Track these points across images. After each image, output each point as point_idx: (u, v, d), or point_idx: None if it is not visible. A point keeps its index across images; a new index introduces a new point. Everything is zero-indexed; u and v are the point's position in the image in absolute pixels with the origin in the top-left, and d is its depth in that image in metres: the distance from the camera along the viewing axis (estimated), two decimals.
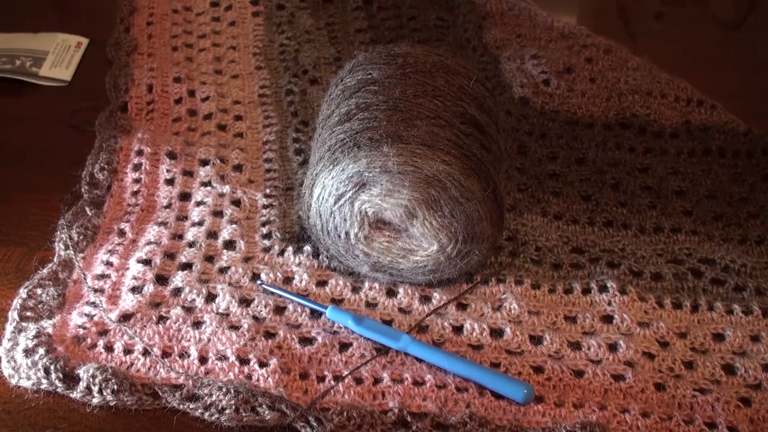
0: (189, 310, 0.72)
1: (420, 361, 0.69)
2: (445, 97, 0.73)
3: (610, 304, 0.76)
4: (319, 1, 1.13)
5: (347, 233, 0.73)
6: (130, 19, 1.07)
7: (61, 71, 1.01)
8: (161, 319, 0.71)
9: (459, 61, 0.79)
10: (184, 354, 0.69)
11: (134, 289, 0.74)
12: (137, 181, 0.85)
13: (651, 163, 0.92)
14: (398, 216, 0.71)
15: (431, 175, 0.68)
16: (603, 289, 0.77)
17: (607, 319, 0.75)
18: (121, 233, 0.79)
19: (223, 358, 0.68)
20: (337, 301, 0.75)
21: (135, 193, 0.84)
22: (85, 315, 0.71)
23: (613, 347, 0.72)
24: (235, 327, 0.71)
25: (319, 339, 0.71)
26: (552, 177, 0.90)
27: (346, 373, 0.68)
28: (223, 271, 0.76)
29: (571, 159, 0.92)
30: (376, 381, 0.67)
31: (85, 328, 0.70)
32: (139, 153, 0.87)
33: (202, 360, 0.68)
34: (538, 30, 1.09)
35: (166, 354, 0.69)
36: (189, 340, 0.70)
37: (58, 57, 1.03)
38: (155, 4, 1.10)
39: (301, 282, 0.75)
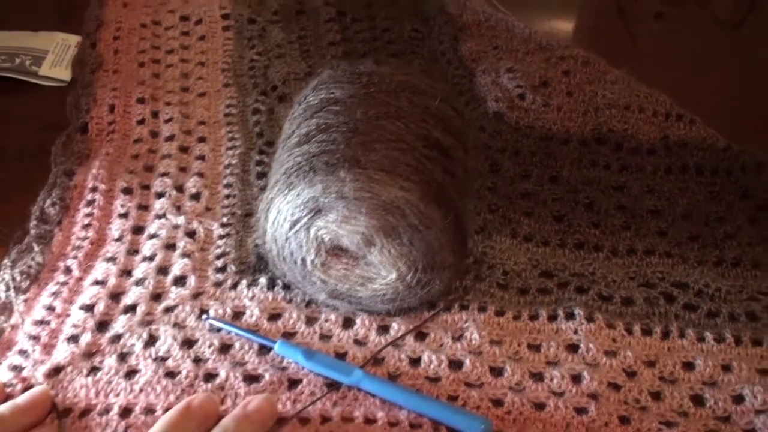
0: (124, 357, 0.69)
1: (373, 396, 0.67)
2: (408, 118, 0.71)
3: (576, 332, 0.73)
4: (291, 14, 1.10)
5: (303, 260, 0.71)
6: (97, 33, 1.05)
7: (61, 71, 1.00)
8: (93, 370, 0.68)
9: (427, 80, 0.77)
10: (104, 412, 0.64)
11: (71, 338, 0.70)
12: (89, 215, 0.82)
13: (627, 181, 0.89)
14: (355, 243, 0.69)
15: (389, 202, 0.66)
16: (570, 316, 0.74)
17: (573, 348, 0.72)
18: (68, 271, 0.76)
19: (149, 411, 0.65)
20: (289, 335, 0.72)
21: (86, 227, 0.81)
22: (14, 368, 0.67)
23: (576, 378, 0.69)
24: (172, 373, 0.67)
25: (267, 377, 0.67)
26: (524, 196, 0.87)
27: (292, 413, 0.65)
28: (168, 310, 0.73)
29: (544, 177, 0.89)
30: (325, 420, 0.64)
31: (11, 384, 0.66)
32: (94, 189, 0.84)
33: (126, 413, 0.64)
34: (516, 42, 1.07)
35: (87, 411, 0.65)
36: (118, 393, 0.66)
37: (57, 56, 1.02)
38: (123, 18, 1.07)
39: (251, 317, 0.72)
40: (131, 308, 0.73)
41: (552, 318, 0.75)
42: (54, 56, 1.02)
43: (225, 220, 0.82)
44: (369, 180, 0.65)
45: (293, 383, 0.68)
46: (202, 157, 0.89)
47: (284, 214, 0.69)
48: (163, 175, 0.86)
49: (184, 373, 0.67)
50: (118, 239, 0.80)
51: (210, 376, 0.68)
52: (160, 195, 0.84)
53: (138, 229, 0.81)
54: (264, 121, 0.94)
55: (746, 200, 0.87)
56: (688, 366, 0.72)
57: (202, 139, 0.91)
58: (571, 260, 0.81)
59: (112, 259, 0.78)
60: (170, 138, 0.91)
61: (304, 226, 0.69)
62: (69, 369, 0.67)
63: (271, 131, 0.92)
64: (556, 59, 1.02)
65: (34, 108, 0.96)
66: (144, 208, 0.83)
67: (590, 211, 0.86)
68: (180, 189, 0.85)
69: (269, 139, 0.91)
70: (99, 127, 0.91)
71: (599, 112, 0.96)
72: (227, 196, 0.85)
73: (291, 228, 0.69)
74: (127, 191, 0.85)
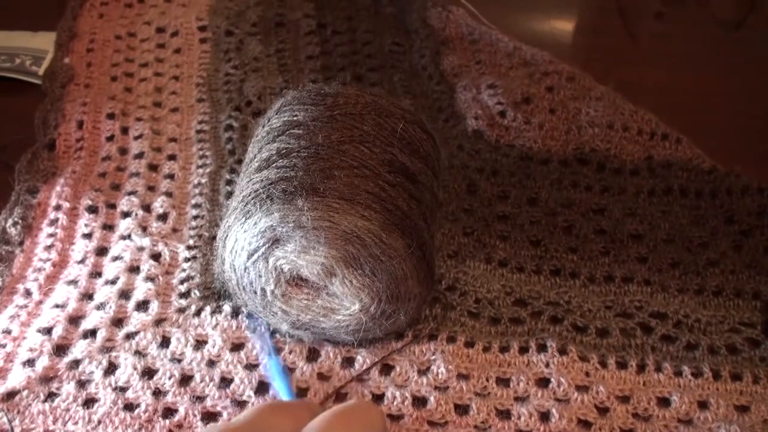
0: (83, 385, 0.67)
1: None
2: (372, 142, 0.68)
3: (547, 365, 0.70)
4: (270, 26, 1.07)
5: (263, 290, 0.69)
6: (69, 45, 1.02)
7: None
8: (50, 396, 0.66)
9: (395, 102, 0.74)
10: None
11: (27, 362, 0.68)
12: (52, 235, 0.79)
13: (608, 203, 0.86)
14: (316, 274, 0.66)
15: (349, 231, 0.63)
16: (542, 348, 0.72)
17: (543, 382, 0.69)
18: (27, 293, 0.74)
19: None
20: (252, 366, 0.69)
21: (48, 248, 0.78)
22: None
23: (545, 416, 0.67)
24: (131, 406, 0.65)
25: (225, 415, 0.65)
26: (501, 219, 0.85)
27: None
28: (129, 337, 0.70)
29: (522, 199, 0.86)
30: None
31: None
32: (57, 208, 0.82)
33: None
34: (499, 56, 1.04)
35: None
36: (77, 422, 0.64)
37: None
38: (97, 30, 1.05)
39: (214, 347, 0.70)
40: (91, 333, 0.71)
41: (523, 350, 0.72)
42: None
43: (191, 242, 0.80)
44: (328, 209, 0.63)
45: None
46: (171, 176, 0.87)
47: (242, 243, 0.66)
48: (131, 193, 0.84)
49: (143, 406, 0.65)
50: (81, 261, 0.77)
51: (169, 412, 0.65)
52: (126, 214, 0.82)
53: (101, 251, 0.79)
54: (236, 138, 0.91)
55: (731, 225, 0.84)
56: (664, 402, 0.69)
57: (172, 157, 0.89)
58: (546, 288, 0.78)
59: (73, 282, 0.75)
60: (139, 155, 0.89)
61: (262, 256, 0.66)
62: (25, 393, 0.65)
63: (243, 149, 0.89)
64: (540, 75, 1.00)
65: (34, 108, 0.94)
66: (109, 228, 0.81)
67: (569, 235, 0.83)
68: (147, 209, 0.83)
69: (241, 157, 0.88)
70: (67, 144, 0.89)
71: (582, 130, 0.93)
72: (195, 217, 0.83)
73: (249, 257, 0.67)
74: (92, 210, 0.82)
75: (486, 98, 0.96)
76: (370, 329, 0.69)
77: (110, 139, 0.91)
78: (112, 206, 0.83)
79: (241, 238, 0.66)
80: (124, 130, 0.92)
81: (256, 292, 0.69)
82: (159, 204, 0.83)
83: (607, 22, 1.20)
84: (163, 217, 0.82)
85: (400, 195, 0.66)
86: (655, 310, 0.76)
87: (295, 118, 0.71)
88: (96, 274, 0.76)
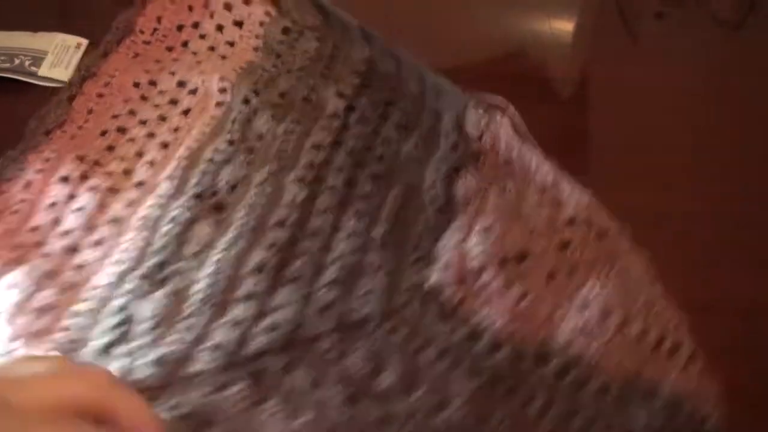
0: None
1: None
2: None
3: None
4: (296, 100, 0.93)
5: None
6: (81, 86, 0.97)
7: (60, 72, 1.01)
8: None
9: None
10: None
11: None
12: None
13: None
14: None
15: None
16: None
17: None
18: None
19: None
20: None
21: None
22: None
23: None
24: None
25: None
26: None
27: None
28: None
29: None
30: None
31: None
32: None
33: None
34: (532, 188, 0.85)
35: None
36: None
37: (57, 57, 1.03)
38: (119, 72, 0.98)
39: None
40: None
41: None
42: (53, 57, 1.03)
43: None
44: None
45: None
46: None
47: None
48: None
49: None
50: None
51: None
52: None
53: None
54: (177, 233, 0.80)
55: None
56: None
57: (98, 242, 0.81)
58: None
59: None
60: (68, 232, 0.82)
61: None
62: None
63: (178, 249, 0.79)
64: (563, 221, 0.80)
65: (34, 108, 0.95)
66: None
67: None
68: None
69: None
70: (3, 206, 0.84)
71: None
72: None
73: None
74: None
75: (471, 245, 0.78)
76: None
77: (52, 205, 0.84)
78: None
79: None
80: (71, 198, 0.85)
81: None
82: None
83: (607, 22, 1.17)
84: None
85: None
86: None
87: None
88: None
